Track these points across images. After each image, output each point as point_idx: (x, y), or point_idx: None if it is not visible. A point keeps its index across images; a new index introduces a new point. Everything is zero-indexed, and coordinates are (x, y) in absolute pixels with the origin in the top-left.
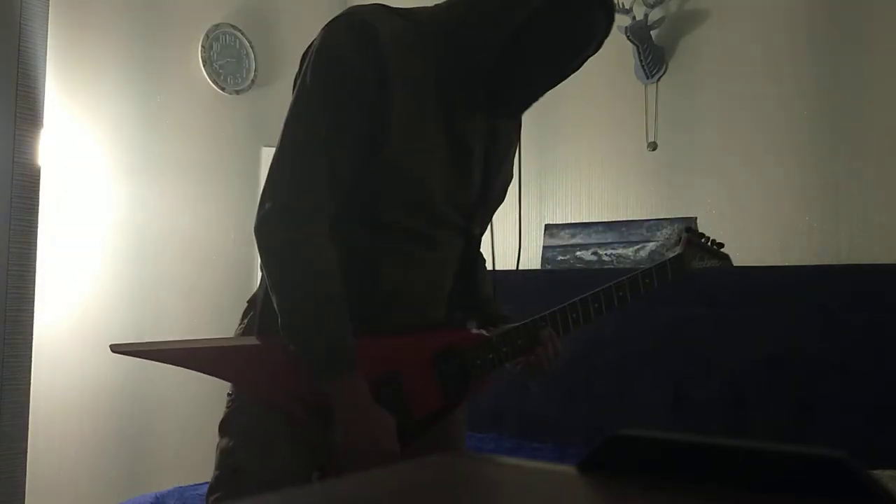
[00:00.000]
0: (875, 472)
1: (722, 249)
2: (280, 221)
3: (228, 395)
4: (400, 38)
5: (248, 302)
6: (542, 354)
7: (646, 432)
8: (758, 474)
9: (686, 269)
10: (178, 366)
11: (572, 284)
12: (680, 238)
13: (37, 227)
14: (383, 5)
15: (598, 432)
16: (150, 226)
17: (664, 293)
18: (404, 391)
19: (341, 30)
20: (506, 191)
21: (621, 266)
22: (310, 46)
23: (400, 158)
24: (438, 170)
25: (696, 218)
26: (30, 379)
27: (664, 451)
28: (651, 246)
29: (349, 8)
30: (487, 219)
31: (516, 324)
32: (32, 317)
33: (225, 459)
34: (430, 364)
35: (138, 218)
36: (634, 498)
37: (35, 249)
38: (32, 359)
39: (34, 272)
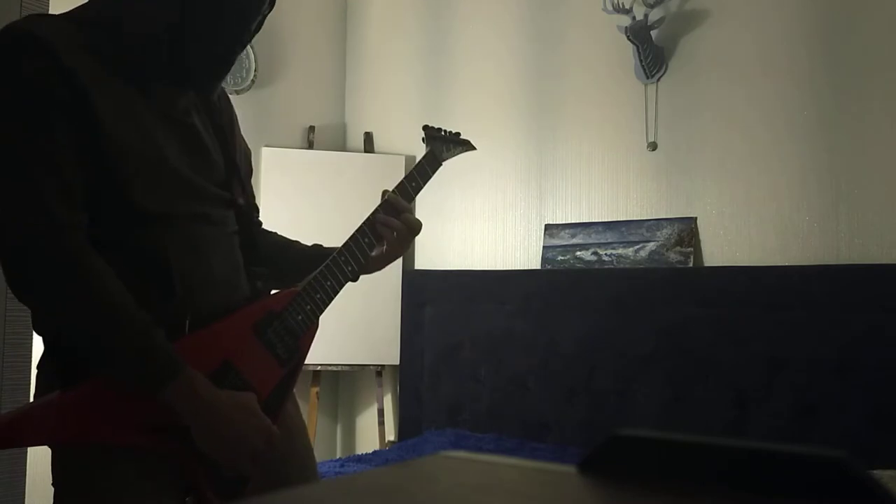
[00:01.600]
0: (875, 472)
1: (461, 137)
2: (31, 261)
3: (55, 462)
4: (69, 38)
5: (38, 367)
6: (389, 235)
7: (646, 432)
8: (758, 474)
9: (440, 161)
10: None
11: (572, 284)
12: (425, 139)
13: None
14: (37, 14)
15: (598, 432)
16: None
17: (664, 293)
18: (242, 374)
19: (7, 49)
20: (251, 162)
21: (621, 266)
22: None
23: (128, 149)
24: (173, 150)
25: (696, 218)
26: (30, 379)
27: (664, 451)
28: (651, 246)
29: (7, 25)
30: (247, 189)
31: (318, 268)
32: None
33: None
34: (254, 338)
35: None
36: (634, 498)
37: None
38: (32, 359)
39: None
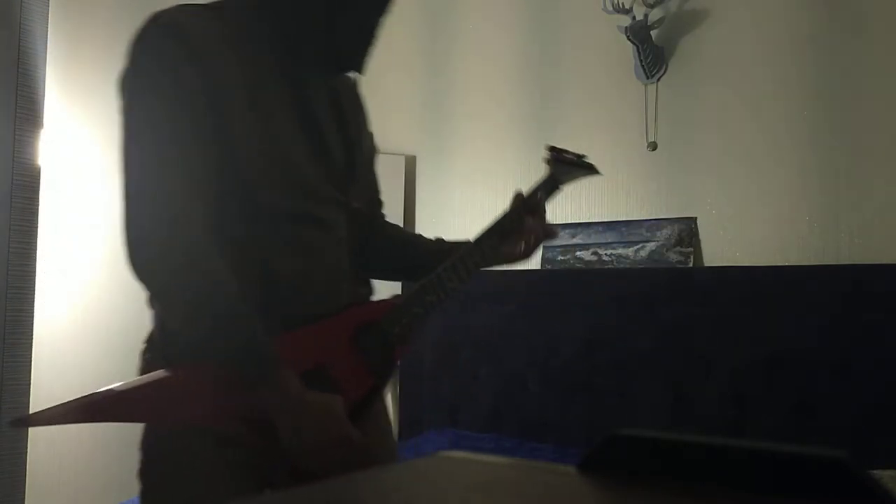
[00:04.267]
0: (875, 472)
1: (584, 159)
2: (151, 245)
3: (143, 439)
4: (212, 28)
5: (144, 343)
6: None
7: (646, 432)
8: (758, 474)
9: (560, 186)
10: (90, 422)
11: (572, 284)
12: (549, 160)
13: (37, 227)
14: (188, 3)
15: (598, 432)
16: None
17: (664, 293)
18: (334, 379)
19: (154, 36)
20: (374, 162)
21: (621, 266)
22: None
23: (255, 143)
24: (296, 145)
25: (696, 218)
26: (30, 379)
27: (664, 451)
28: (651, 246)
29: (152, 14)
30: (366, 192)
31: (423, 281)
32: (32, 317)
33: (155, 493)
34: (349, 346)
35: None
36: (634, 498)
37: (35, 249)
38: (32, 359)
39: (34, 272)
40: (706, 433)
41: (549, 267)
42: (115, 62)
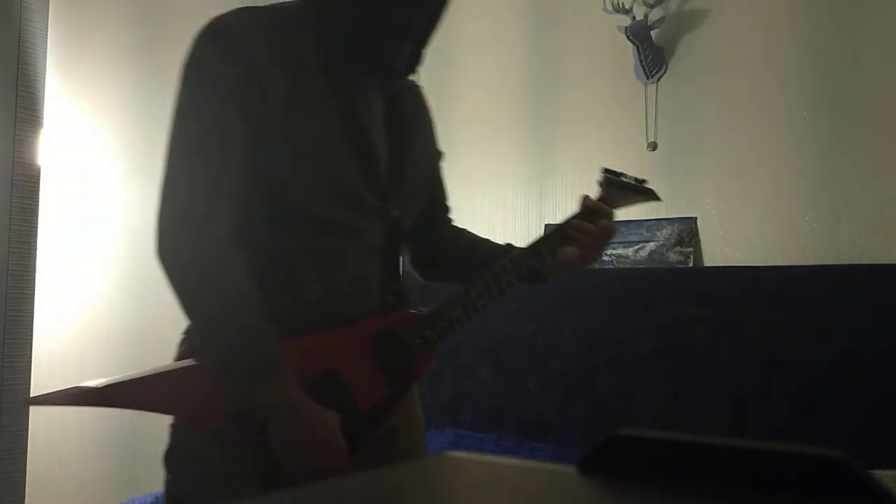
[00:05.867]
0: (875, 472)
1: (645, 184)
2: (172, 235)
3: (171, 425)
4: (267, 32)
5: (183, 334)
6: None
7: (646, 432)
8: (758, 474)
9: (612, 209)
10: (101, 406)
11: (572, 284)
12: (602, 183)
13: (37, 227)
14: (246, 7)
15: (598, 432)
16: (151, 225)
17: (664, 293)
18: (345, 386)
19: (204, 39)
20: (432, 170)
21: (621, 266)
22: None
23: (290, 147)
24: (335, 151)
25: (696, 218)
26: (30, 379)
27: (664, 451)
28: (651, 246)
29: (212, 18)
30: (412, 200)
31: (450, 299)
32: (32, 317)
33: (173, 493)
34: (367, 353)
35: (139, 218)
36: (634, 498)
37: (35, 249)
38: (32, 359)
39: (34, 272)
40: (706, 433)
41: None
42: (115, 60)
